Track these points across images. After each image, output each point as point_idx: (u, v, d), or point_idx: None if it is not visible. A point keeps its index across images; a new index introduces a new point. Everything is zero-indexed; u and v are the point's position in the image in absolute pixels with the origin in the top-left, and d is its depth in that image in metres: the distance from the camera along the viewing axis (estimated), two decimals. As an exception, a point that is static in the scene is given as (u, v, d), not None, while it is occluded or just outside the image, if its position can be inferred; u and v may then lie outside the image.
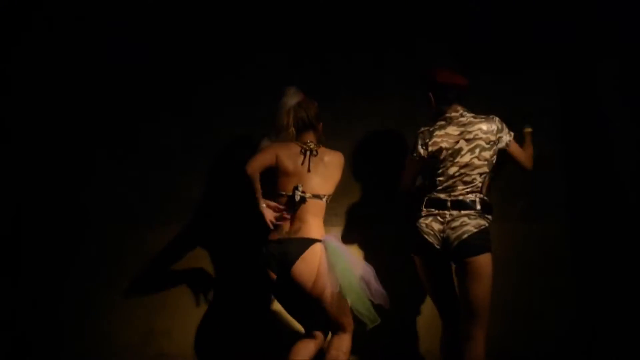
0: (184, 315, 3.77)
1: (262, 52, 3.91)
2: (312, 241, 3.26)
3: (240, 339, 3.74)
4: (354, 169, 3.53)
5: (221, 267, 3.81)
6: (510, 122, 3.75)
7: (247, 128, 3.77)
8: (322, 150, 3.39)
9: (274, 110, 3.40)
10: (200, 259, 3.80)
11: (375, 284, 3.32)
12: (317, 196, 3.31)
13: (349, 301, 3.29)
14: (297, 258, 3.23)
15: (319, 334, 3.38)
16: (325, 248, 3.28)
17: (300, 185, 3.29)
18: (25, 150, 3.82)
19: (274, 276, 3.29)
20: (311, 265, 3.24)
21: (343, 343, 3.33)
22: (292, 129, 3.36)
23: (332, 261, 3.27)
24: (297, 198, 3.26)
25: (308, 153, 3.34)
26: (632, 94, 3.69)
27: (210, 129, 3.86)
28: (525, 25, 3.96)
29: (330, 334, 3.39)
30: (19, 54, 3.85)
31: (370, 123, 3.88)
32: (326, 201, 3.36)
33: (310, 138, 3.39)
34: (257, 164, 3.29)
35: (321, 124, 3.44)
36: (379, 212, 3.87)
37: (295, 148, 3.35)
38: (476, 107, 3.45)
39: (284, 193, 3.32)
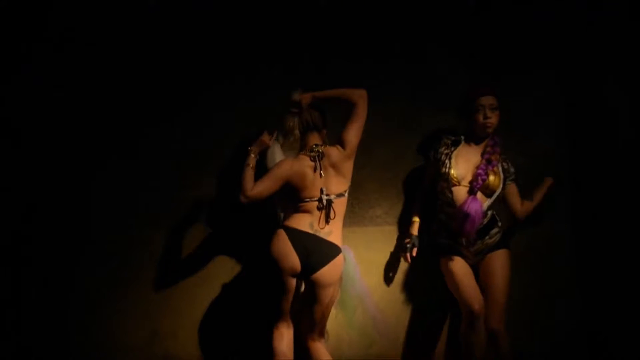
0: (189, 316, 3.79)
1: (266, 54, 3.92)
2: (339, 249, 3.33)
3: (245, 339, 3.76)
4: (355, 170, 3.55)
5: (227, 267, 3.83)
6: (511, 122, 3.80)
7: (253, 129, 3.77)
8: (327, 149, 3.39)
9: (280, 113, 3.43)
10: (206, 259, 3.82)
11: (374, 309, 3.59)
12: (340, 195, 3.36)
13: (342, 313, 3.53)
14: (325, 262, 3.27)
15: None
16: (344, 258, 3.39)
17: (324, 188, 3.33)
18: (33, 151, 3.83)
19: (298, 265, 3.27)
20: (333, 273, 3.31)
21: (323, 351, 3.39)
22: (297, 132, 3.40)
23: (345, 273, 3.43)
24: (325, 202, 3.31)
25: (317, 158, 3.36)
26: (636, 94, 3.69)
27: (215, 129, 3.87)
28: (527, 25, 3.97)
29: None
30: (23, 56, 3.87)
31: (373, 125, 3.89)
32: (346, 193, 3.39)
33: (315, 141, 3.41)
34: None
35: (325, 130, 3.48)
36: (382, 213, 3.90)
37: (306, 160, 3.37)
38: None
39: (308, 199, 3.33)
